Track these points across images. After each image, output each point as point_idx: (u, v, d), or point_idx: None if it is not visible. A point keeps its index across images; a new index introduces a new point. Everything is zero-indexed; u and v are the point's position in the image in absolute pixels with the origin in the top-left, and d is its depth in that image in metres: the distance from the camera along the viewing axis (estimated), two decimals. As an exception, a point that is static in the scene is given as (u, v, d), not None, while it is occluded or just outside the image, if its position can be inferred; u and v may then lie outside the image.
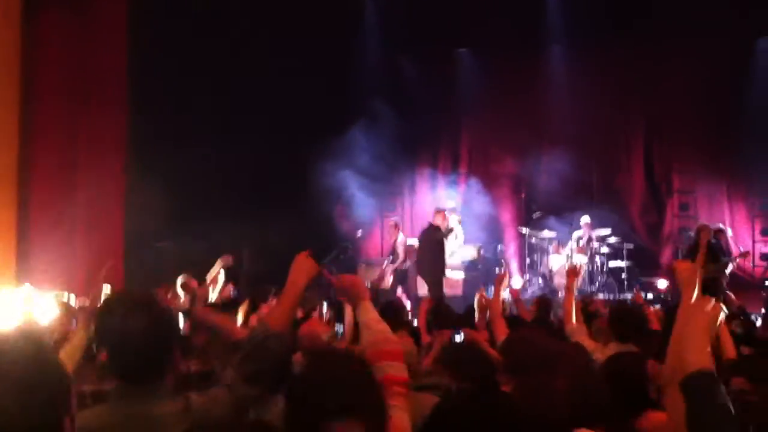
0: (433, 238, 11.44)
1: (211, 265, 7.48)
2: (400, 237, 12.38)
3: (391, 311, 5.36)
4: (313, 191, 12.96)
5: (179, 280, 7.49)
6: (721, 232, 11.75)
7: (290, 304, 2.49)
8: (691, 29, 13.43)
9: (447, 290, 12.01)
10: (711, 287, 8.35)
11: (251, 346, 2.34)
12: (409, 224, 15.12)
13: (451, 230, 12.13)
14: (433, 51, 15.01)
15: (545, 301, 7.49)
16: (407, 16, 14.52)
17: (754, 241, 14.10)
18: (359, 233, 13.05)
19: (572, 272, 5.41)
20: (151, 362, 2.17)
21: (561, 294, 12.33)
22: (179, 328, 2.37)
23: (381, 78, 15.03)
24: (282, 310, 2.47)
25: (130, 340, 2.12)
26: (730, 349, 4.75)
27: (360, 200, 13.72)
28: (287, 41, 13.02)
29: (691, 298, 2.42)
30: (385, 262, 12.50)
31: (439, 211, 11.90)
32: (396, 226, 12.53)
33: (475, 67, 15.30)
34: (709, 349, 2.11)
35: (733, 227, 13.84)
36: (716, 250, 11.09)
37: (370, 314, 2.51)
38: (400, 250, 12.25)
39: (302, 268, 2.51)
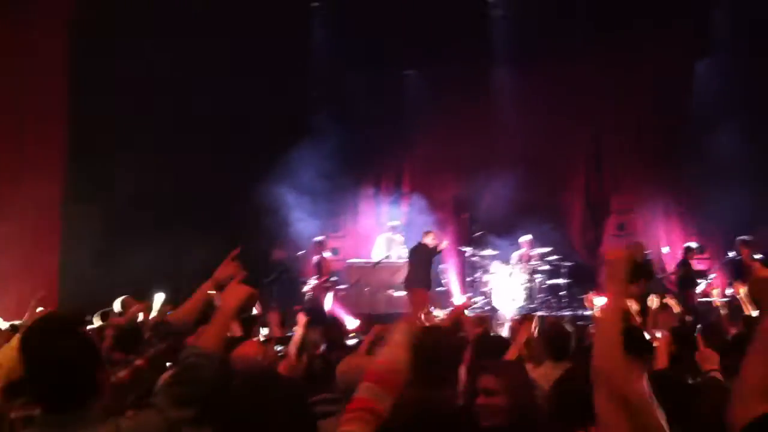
0: (421, 257, 11.78)
1: (150, 285, 7.36)
2: (326, 254, 12.72)
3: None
4: (255, 210, 12.88)
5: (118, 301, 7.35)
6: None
7: (220, 326, 2.49)
8: (633, 52, 13.82)
9: (389, 308, 12.13)
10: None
11: (181, 368, 2.31)
12: (353, 243, 15.15)
13: (439, 251, 12.38)
14: (379, 70, 15.11)
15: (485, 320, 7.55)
16: (354, 35, 14.60)
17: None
18: (301, 253, 13.02)
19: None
20: (72, 390, 2.12)
21: (503, 312, 12.56)
22: (99, 353, 2.30)
23: (326, 96, 15.06)
24: (213, 332, 2.46)
25: (49, 367, 2.08)
26: (663, 359, 4.85)
27: (302, 220, 13.67)
28: (229, 53, 12.97)
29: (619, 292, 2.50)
30: (311, 280, 12.61)
31: (428, 232, 12.21)
32: (319, 243, 12.65)
33: (421, 87, 15.45)
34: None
35: (669, 246, 14.20)
36: (649, 268, 11.42)
37: (403, 336, 2.45)
38: (322, 268, 12.52)
39: (234, 292, 2.55)
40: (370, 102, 14.93)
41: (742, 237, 11.91)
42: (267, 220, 13.19)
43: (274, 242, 13.02)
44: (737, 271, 11.42)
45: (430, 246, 11.99)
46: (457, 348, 3.34)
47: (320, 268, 12.56)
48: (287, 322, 8.28)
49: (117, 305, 7.36)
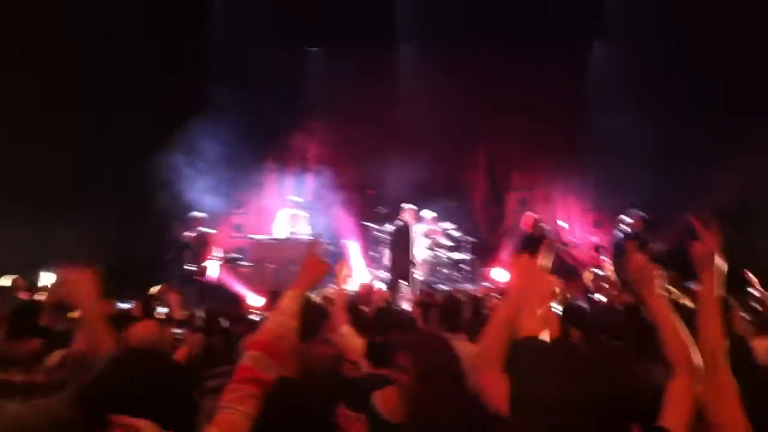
0: (401, 235, 11.70)
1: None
2: (205, 229, 12.38)
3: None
4: (152, 185, 12.48)
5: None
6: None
7: (93, 327, 2.37)
8: (532, 34, 14.05)
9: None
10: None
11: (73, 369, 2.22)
12: (257, 219, 14.93)
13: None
14: (283, 46, 14.83)
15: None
16: (259, 9, 14.28)
17: (586, 233, 14.94)
18: (204, 230, 12.70)
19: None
20: None
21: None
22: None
23: (228, 70, 14.66)
24: (90, 333, 2.35)
25: None
26: (554, 329, 4.97)
27: (204, 195, 13.35)
28: (126, 18, 12.46)
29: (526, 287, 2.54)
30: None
31: (406, 209, 12.11)
32: (196, 219, 12.33)
33: (326, 64, 15.29)
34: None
35: (568, 220, 14.65)
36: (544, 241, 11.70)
37: (293, 303, 2.40)
38: (204, 243, 12.25)
39: (82, 290, 2.47)
40: (274, 77, 14.65)
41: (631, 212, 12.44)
42: (165, 196, 12.79)
43: (174, 219, 12.60)
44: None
45: (408, 222, 11.90)
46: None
47: (202, 244, 12.21)
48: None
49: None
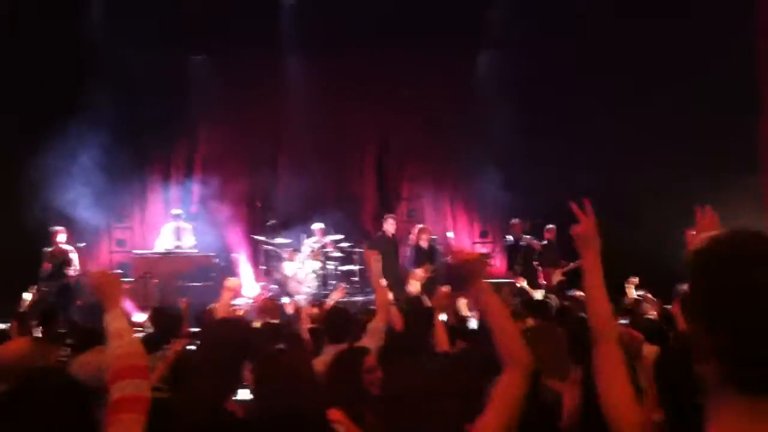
0: (385, 247, 11.12)
1: None
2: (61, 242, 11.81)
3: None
4: (27, 194, 11.90)
5: None
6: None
7: None
8: (420, 45, 14.26)
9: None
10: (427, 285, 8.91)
11: None
12: (140, 233, 14.49)
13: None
14: (166, 53, 14.42)
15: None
16: (140, 13, 13.85)
17: (473, 243, 15.26)
18: (81, 245, 12.19)
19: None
20: None
21: (297, 299, 12.56)
22: None
23: (110, 78, 14.09)
24: None
25: None
26: (443, 342, 5.06)
27: (83, 208, 12.81)
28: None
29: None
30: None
31: (387, 218, 12.20)
32: (54, 233, 11.81)
33: (210, 72, 14.96)
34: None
35: (455, 231, 14.94)
36: (434, 252, 11.99)
37: (120, 322, 2.36)
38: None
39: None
40: (156, 86, 14.16)
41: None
42: (36, 206, 12.16)
43: (50, 233, 12.00)
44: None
45: (391, 234, 11.81)
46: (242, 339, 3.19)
47: (63, 259, 11.66)
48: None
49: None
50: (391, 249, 11.63)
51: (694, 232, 3.14)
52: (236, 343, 2.90)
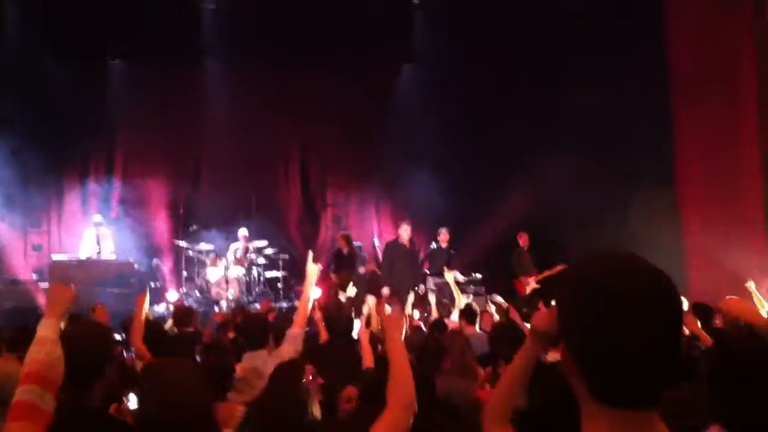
0: (397, 253, 11.12)
1: None
2: None
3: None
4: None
5: None
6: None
7: None
8: (343, 53, 14.34)
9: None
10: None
11: None
12: (57, 237, 14.15)
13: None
14: (83, 59, 14.06)
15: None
16: (53, 21, 13.48)
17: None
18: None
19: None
20: None
21: (221, 305, 12.49)
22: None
23: (23, 83, 13.68)
24: None
25: None
26: (368, 358, 5.01)
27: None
28: None
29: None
30: None
31: (402, 224, 11.60)
32: None
33: (130, 78, 14.60)
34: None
35: (381, 237, 15.01)
36: (354, 258, 12.12)
37: (50, 331, 2.36)
38: None
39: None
40: (73, 92, 13.75)
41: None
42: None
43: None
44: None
45: (405, 240, 11.32)
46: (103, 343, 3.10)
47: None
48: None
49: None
50: (404, 255, 11.30)
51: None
52: (93, 347, 2.84)
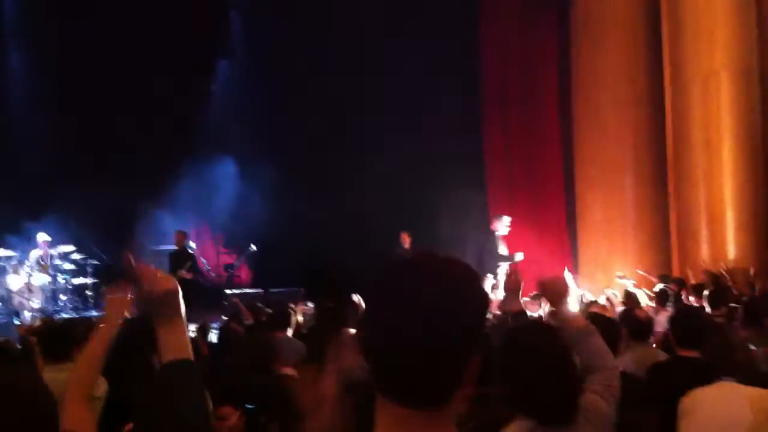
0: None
1: None
2: None
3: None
4: None
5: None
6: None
7: None
8: (155, 41, 13.86)
9: None
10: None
11: None
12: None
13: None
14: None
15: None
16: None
17: (218, 253, 15.01)
18: None
19: None
20: None
21: (24, 315, 11.61)
22: None
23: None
24: None
25: None
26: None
27: None
28: None
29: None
30: None
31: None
32: None
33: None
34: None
35: (199, 242, 14.50)
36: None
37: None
38: None
39: None
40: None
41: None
42: None
43: None
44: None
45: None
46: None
47: None
48: None
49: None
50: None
51: None
52: None
